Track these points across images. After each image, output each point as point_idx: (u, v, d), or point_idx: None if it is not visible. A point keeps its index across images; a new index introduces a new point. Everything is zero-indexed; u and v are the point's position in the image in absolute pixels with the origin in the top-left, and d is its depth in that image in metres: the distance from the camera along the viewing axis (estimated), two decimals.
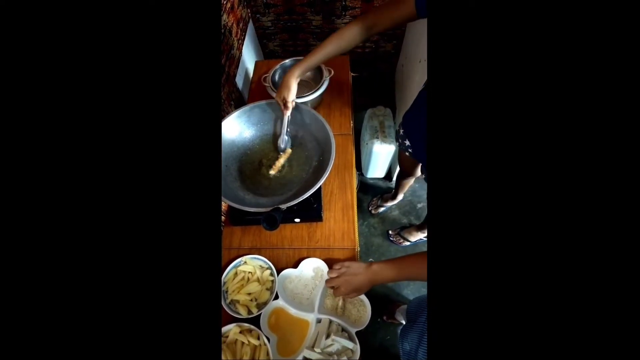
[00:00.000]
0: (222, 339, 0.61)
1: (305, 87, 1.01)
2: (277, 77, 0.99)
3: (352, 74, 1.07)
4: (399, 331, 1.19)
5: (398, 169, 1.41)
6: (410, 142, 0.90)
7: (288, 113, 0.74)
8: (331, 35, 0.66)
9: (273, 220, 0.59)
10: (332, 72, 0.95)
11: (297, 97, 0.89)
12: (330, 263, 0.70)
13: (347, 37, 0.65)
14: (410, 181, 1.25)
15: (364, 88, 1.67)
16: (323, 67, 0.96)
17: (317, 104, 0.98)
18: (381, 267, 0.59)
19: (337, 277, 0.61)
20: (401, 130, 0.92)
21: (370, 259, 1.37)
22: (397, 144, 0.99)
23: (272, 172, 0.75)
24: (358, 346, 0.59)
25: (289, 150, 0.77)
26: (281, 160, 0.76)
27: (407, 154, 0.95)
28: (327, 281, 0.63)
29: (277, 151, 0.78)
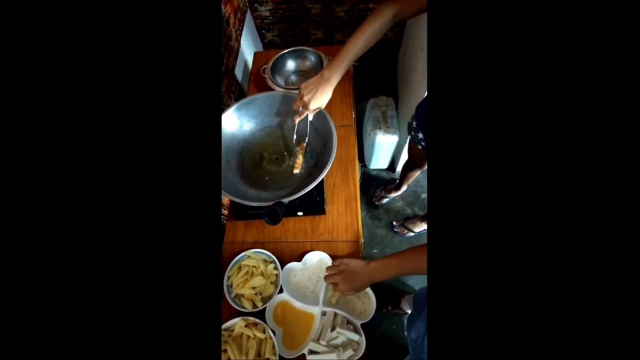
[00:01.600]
0: (228, 332, 0.61)
1: (305, 77, 0.99)
2: (276, 68, 0.97)
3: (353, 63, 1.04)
4: (404, 321, 1.20)
5: (402, 159, 1.39)
6: (423, 135, 0.88)
7: (311, 117, 0.68)
8: (360, 28, 0.60)
9: (275, 214, 0.58)
10: None
11: (298, 88, 0.87)
12: (334, 256, 0.69)
13: (377, 27, 0.59)
14: (417, 173, 1.24)
15: (366, 77, 1.64)
16: (323, 57, 0.94)
17: None
18: (381, 264, 0.58)
19: (335, 274, 0.60)
20: (414, 123, 0.90)
21: (375, 250, 1.37)
22: (410, 136, 0.96)
23: (295, 171, 0.73)
24: (364, 338, 0.59)
25: (303, 145, 0.76)
26: (300, 157, 0.74)
27: (419, 147, 0.93)
28: (325, 277, 0.62)
29: (293, 149, 0.76)
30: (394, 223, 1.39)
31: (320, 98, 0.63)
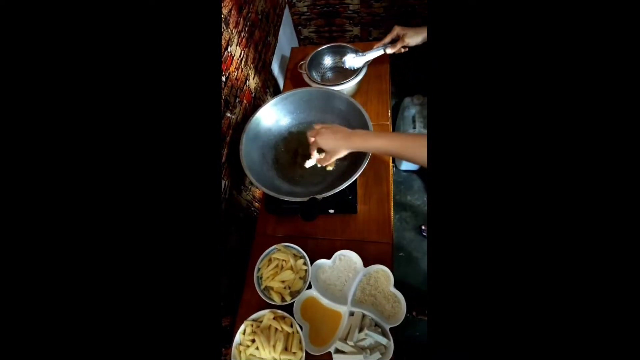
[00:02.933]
0: (257, 323, 0.62)
1: (342, 74, 0.98)
2: (313, 64, 0.97)
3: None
4: None
5: None
6: None
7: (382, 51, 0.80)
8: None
9: (310, 211, 0.58)
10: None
11: (334, 84, 0.86)
12: (363, 256, 0.68)
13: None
14: None
15: (402, 75, 1.59)
16: (361, 53, 0.92)
17: (354, 92, 0.94)
18: (367, 132, 0.56)
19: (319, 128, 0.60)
20: None
21: (401, 253, 1.34)
22: None
23: (329, 168, 0.73)
24: (392, 342, 0.58)
25: None
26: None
27: None
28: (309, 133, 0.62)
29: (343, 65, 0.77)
30: (423, 227, 1.35)
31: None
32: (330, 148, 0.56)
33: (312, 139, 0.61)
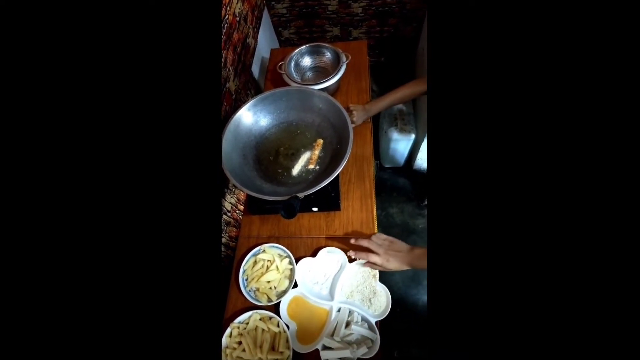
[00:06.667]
0: (243, 325, 0.62)
1: (322, 73, 0.98)
2: (292, 64, 0.97)
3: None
4: None
5: (418, 158, 1.36)
6: None
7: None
8: (402, 87, 0.81)
9: (291, 208, 0.58)
10: (350, 57, 0.92)
11: (314, 84, 0.87)
12: (349, 252, 0.69)
13: (411, 92, 0.80)
14: None
15: (383, 74, 1.62)
16: (340, 52, 0.93)
17: (334, 91, 0.95)
18: (425, 253, 0.58)
19: (379, 246, 0.62)
20: None
21: None
22: None
23: (310, 166, 0.74)
24: (378, 336, 0.58)
25: (320, 141, 0.76)
26: (316, 152, 0.75)
27: None
28: (362, 241, 0.64)
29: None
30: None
31: (359, 112, 0.84)
32: (386, 269, 0.62)
33: (368, 255, 0.63)
